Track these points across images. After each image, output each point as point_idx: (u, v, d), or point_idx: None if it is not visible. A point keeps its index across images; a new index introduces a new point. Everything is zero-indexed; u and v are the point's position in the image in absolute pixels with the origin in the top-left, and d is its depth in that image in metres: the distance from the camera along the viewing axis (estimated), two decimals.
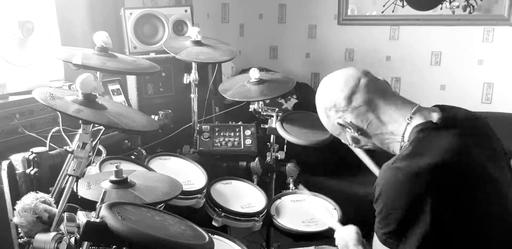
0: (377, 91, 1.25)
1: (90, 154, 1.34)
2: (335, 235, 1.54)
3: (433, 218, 1.06)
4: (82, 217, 1.14)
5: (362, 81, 1.25)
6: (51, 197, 1.38)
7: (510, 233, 1.16)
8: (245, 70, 3.19)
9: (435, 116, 1.20)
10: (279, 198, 1.91)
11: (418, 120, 1.20)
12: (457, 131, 1.17)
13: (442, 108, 1.24)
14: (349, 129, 1.28)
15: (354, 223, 1.55)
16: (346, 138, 1.34)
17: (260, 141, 2.16)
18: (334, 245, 1.54)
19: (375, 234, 1.17)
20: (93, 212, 1.11)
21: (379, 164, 1.42)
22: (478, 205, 1.12)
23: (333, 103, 1.27)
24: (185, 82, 2.16)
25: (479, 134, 1.25)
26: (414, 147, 1.14)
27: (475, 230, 1.12)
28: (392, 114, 1.24)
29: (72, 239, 1.18)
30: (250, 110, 2.16)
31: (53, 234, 1.19)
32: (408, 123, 1.21)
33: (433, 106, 1.27)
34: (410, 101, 1.28)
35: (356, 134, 1.29)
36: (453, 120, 1.20)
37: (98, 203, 1.10)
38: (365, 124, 1.26)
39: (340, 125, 1.29)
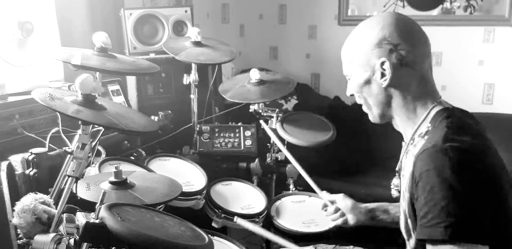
0: (431, 69, 1.20)
1: (89, 154, 1.34)
2: None
3: (496, 194, 1.03)
4: (81, 218, 1.14)
5: (431, 57, 1.19)
6: (51, 198, 1.37)
7: None
8: (245, 71, 3.19)
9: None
10: (279, 199, 1.91)
11: (443, 105, 1.18)
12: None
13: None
14: (382, 75, 1.16)
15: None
16: (359, 75, 1.21)
17: (260, 142, 2.16)
18: (332, 244, 1.54)
19: (423, 235, 1.02)
20: (92, 213, 1.11)
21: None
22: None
23: (397, 42, 1.13)
24: (185, 83, 2.15)
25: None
26: (455, 129, 1.08)
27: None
28: (425, 94, 1.18)
29: (72, 240, 1.18)
30: (250, 111, 2.16)
31: (52, 235, 1.19)
32: (435, 105, 1.17)
33: None
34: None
35: (382, 82, 1.16)
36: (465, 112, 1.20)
37: (98, 204, 1.10)
38: (398, 83, 1.16)
39: (381, 64, 1.15)
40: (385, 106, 1.21)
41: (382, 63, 1.15)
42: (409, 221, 1.15)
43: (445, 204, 0.98)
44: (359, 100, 1.28)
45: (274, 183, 2.20)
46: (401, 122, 1.23)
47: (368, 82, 1.20)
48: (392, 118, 1.25)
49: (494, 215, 1.01)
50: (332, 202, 1.66)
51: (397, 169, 1.31)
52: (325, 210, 1.66)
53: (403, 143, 1.31)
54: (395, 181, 1.36)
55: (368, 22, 1.21)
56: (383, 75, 1.16)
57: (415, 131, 1.18)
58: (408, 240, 1.19)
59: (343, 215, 1.60)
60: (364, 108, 1.28)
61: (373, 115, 1.26)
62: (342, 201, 1.61)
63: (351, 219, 1.57)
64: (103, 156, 1.65)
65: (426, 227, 1.01)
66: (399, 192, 1.32)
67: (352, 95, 1.29)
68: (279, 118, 2.06)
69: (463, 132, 1.09)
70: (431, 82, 1.21)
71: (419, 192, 1.04)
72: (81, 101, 1.32)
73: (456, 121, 1.12)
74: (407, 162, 1.18)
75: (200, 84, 2.18)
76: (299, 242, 1.73)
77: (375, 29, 1.16)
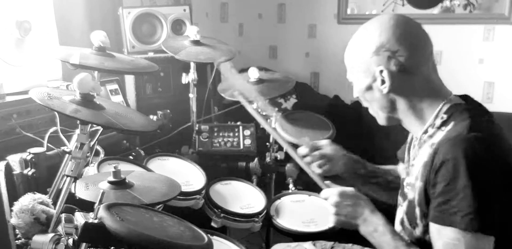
0: (435, 69, 1.20)
1: (88, 154, 1.34)
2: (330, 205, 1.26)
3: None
4: (80, 218, 1.14)
5: (433, 57, 1.17)
6: (49, 198, 1.37)
7: None
8: (245, 70, 3.18)
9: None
10: (279, 198, 1.90)
11: (455, 101, 1.17)
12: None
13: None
14: (382, 81, 1.15)
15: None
16: (361, 82, 1.20)
17: (260, 141, 2.15)
18: (332, 241, 1.53)
19: (442, 224, 1.05)
20: (91, 213, 1.11)
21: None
22: None
23: (396, 49, 1.11)
24: (183, 82, 2.15)
25: None
26: (477, 120, 1.09)
27: None
28: (431, 94, 1.17)
29: (70, 240, 1.18)
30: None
31: (51, 235, 1.18)
32: (445, 103, 1.16)
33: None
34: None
35: (383, 89, 1.16)
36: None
37: (96, 204, 1.10)
38: (400, 89, 1.15)
39: (380, 72, 1.14)
40: (390, 110, 1.21)
41: (381, 72, 1.14)
42: (417, 209, 1.15)
43: (464, 195, 1.01)
44: (365, 104, 1.27)
45: (274, 182, 2.19)
46: (409, 123, 1.22)
47: (369, 88, 1.19)
48: (401, 120, 1.23)
49: (506, 206, 1.04)
50: (317, 149, 1.46)
51: (405, 159, 1.30)
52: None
53: (410, 135, 1.31)
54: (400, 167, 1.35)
55: (367, 26, 1.19)
56: (383, 82, 1.16)
57: (428, 126, 1.17)
58: (414, 229, 1.18)
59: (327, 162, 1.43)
60: (371, 111, 1.28)
61: (380, 118, 1.26)
62: (329, 146, 1.45)
63: (339, 168, 1.43)
64: (102, 155, 1.65)
65: (445, 213, 1.04)
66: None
67: (358, 97, 1.28)
68: (278, 117, 2.05)
69: (485, 123, 1.10)
70: (436, 82, 1.19)
71: (438, 179, 1.05)
72: (79, 100, 1.31)
73: (476, 114, 1.12)
74: (420, 153, 1.18)
75: (199, 83, 2.17)
76: (298, 241, 1.73)
77: (374, 35, 1.15)
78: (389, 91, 1.16)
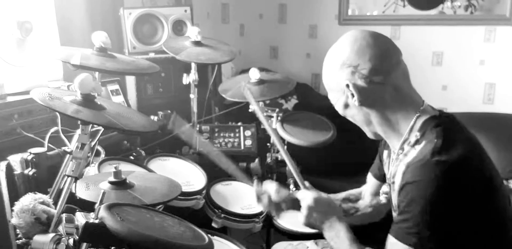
0: (405, 77, 1.19)
1: (88, 154, 1.33)
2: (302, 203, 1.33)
3: (472, 208, 1.06)
4: (80, 218, 1.14)
5: (402, 65, 1.18)
6: (50, 198, 1.37)
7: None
8: (245, 71, 3.18)
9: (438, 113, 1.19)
10: None
11: (428, 114, 1.17)
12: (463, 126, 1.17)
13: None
14: (352, 95, 1.17)
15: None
16: (339, 100, 1.23)
17: (260, 141, 2.15)
18: None
19: (399, 240, 1.10)
20: (92, 213, 1.11)
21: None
22: (499, 200, 1.13)
23: (356, 63, 1.15)
24: (184, 82, 2.15)
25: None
26: (445, 139, 1.09)
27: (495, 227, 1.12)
28: (404, 104, 1.17)
29: (71, 240, 1.18)
30: (250, 110, 2.15)
31: (51, 235, 1.18)
32: (419, 115, 1.16)
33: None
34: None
35: (354, 103, 1.18)
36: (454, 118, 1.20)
37: (97, 204, 1.10)
38: (370, 101, 1.17)
39: (347, 86, 1.17)
40: (368, 123, 1.24)
41: (347, 86, 1.17)
42: None
43: (420, 219, 1.06)
44: (352, 121, 1.29)
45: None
46: (388, 138, 1.24)
47: (347, 105, 1.22)
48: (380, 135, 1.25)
49: (481, 226, 1.07)
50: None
51: (387, 176, 1.32)
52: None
53: (386, 151, 1.34)
54: (384, 188, 1.38)
55: (332, 47, 1.24)
56: (352, 96, 1.18)
57: (403, 141, 1.19)
58: None
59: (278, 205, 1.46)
60: (361, 127, 1.30)
61: (367, 133, 1.29)
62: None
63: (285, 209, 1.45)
64: (103, 155, 1.65)
65: (404, 231, 1.10)
66: (388, 199, 1.34)
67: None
68: (279, 118, 2.05)
69: (453, 143, 1.10)
70: (407, 90, 1.19)
71: (401, 198, 1.12)
72: (80, 101, 1.31)
73: (446, 131, 1.12)
74: (398, 170, 1.19)
75: (200, 84, 2.17)
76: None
77: (336, 54, 1.20)
78: (361, 104, 1.18)
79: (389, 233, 1.14)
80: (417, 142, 1.15)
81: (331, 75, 1.22)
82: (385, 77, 1.15)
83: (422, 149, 1.12)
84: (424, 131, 1.14)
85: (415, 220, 1.07)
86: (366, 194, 1.54)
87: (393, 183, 1.23)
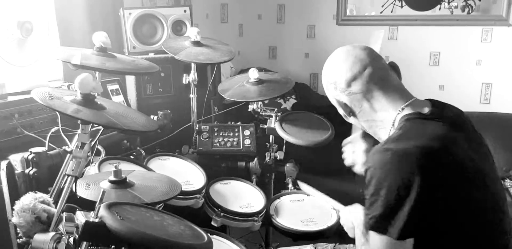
0: (378, 81, 1.25)
1: (89, 154, 1.34)
2: (341, 214, 1.56)
3: (420, 198, 1.07)
4: (81, 217, 1.15)
5: (367, 71, 1.25)
6: (50, 197, 1.38)
7: (488, 225, 1.17)
8: (244, 71, 3.20)
9: (426, 109, 1.24)
10: (278, 198, 1.91)
11: (408, 111, 1.23)
12: (445, 123, 1.20)
13: (434, 103, 1.27)
14: (341, 108, 1.32)
15: None
16: (342, 114, 1.37)
17: (259, 141, 2.16)
18: (332, 242, 1.55)
19: (363, 224, 1.17)
20: (92, 212, 1.11)
21: None
22: (462, 191, 1.14)
23: (334, 81, 1.29)
24: (184, 82, 2.16)
25: (469, 130, 1.27)
26: (403, 132, 1.17)
27: (459, 216, 1.13)
28: (385, 105, 1.26)
29: (71, 239, 1.18)
30: (249, 110, 2.16)
31: (52, 234, 1.19)
32: (398, 113, 1.24)
33: (427, 99, 1.29)
34: (408, 94, 1.28)
35: (346, 114, 1.33)
36: (441, 114, 1.23)
37: (97, 203, 1.10)
38: (358, 109, 1.29)
39: (337, 102, 1.33)
40: (369, 128, 1.33)
41: (338, 100, 1.31)
42: None
43: (371, 200, 1.12)
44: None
45: (273, 182, 2.20)
46: (381, 137, 1.31)
47: (345, 116, 1.36)
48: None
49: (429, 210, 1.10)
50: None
51: None
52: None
53: None
54: None
55: (329, 61, 1.34)
56: (346, 106, 1.31)
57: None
58: None
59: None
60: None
61: (374, 137, 1.36)
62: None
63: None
64: (103, 155, 1.66)
65: (364, 217, 1.16)
66: None
67: None
68: (277, 117, 2.06)
69: (409, 136, 1.15)
70: (388, 92, 1.26)
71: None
72: (80, 100, 1.32)
73: (408, 126, 1.19)
74: None
75: (199, 84, 2.18)
76: (298, 240, 1.74)
77: (323, 75, 1.35)
78: (350, 115, 1.32)
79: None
80: None
81: (327, 93, 1.36)
82: (360, 85, 1.25)
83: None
84: (401, 127, 1.20)
85: (368, 201, 1.13)
86: None
87: None
